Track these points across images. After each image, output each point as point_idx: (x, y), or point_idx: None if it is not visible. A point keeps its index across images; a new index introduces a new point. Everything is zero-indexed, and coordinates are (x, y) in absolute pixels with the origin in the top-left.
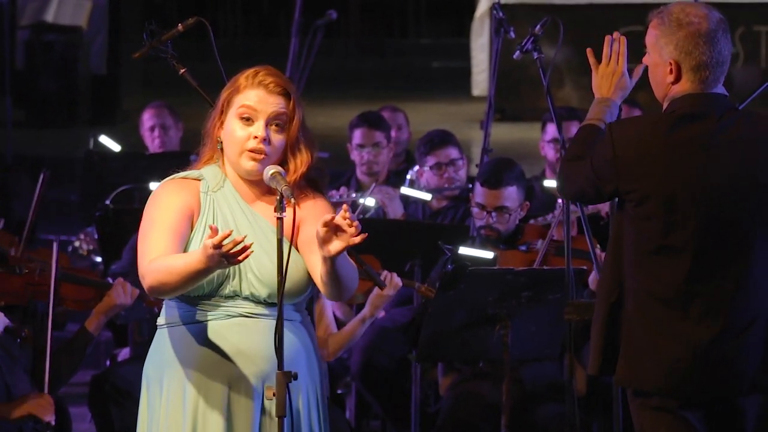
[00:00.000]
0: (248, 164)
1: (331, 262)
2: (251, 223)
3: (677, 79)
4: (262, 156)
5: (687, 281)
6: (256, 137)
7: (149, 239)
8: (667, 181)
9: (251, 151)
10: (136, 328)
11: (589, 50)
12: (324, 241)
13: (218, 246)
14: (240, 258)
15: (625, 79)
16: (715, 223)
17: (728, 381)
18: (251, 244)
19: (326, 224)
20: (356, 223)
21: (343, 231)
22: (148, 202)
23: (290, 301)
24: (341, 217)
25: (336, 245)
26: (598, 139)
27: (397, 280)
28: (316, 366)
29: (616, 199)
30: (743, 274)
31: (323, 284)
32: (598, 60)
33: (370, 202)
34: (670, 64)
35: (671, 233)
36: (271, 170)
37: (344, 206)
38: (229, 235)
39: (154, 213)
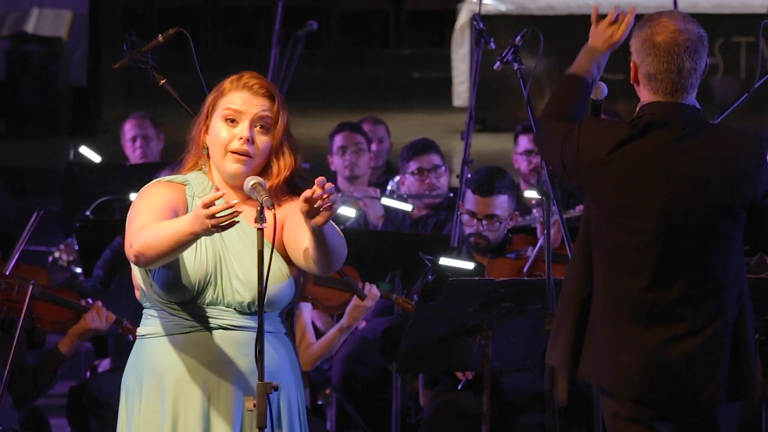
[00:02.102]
0: (233, 166)
1: (320, 232)
2: (236, 228)
3: (636, 81)
4: (247, 158)
5: (641, 287)
6: (240, 138)
7: (137, 219)
8: (625, 188)
9: (235, 152)
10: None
11: (595, 6)
12: (309, 216)
13: (209, 206)
14: (225, 225)
15: (619, 42)
16: (670, 233)
17: (679, 386)
18: (241, 213)
19: (307, 200)
20: (335, 194)
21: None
22: (135, 199)
23: (273, 310)
24: (319, 189)
25: (320, 218)
26: (582, 95)
27: (375, 291)
28: (299, 377)
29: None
30: (697, 284)
31: (313, 260)
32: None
33: (350, 212)
34: (633, 65)
35: (628, 239)
36: (251, 181)
37: (318, 178)
38: (221, 197)
39: (142, 203)
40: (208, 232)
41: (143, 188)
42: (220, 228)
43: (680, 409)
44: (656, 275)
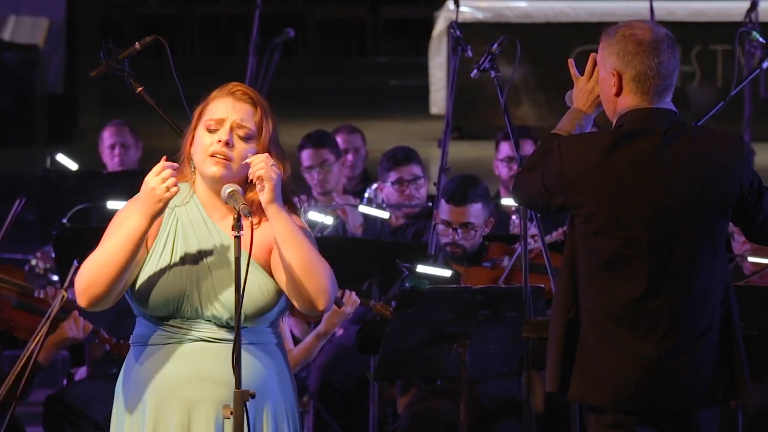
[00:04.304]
0: (211, 169)
1: (278, 226)
2: (215, 240)
3: (619, 91)
4: (225, 160)
5: (636, 297)
6: (219, 141)
7: (100, 245)
8: (614, 198)
9: (213, 154)
10: (93, 348)
11: (570, 61)
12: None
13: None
14: (169, 194)
15: (596, 98)
16: (662, 239)
17: (679, 395)
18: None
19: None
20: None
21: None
22: (116, 213)
23: (254, 325)
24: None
25: (266, 194)
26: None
27: (355, 298)
28: (288, 389)
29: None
30: (691, 289)
31: (289, 291)
32: (581, 73)
33: (328, 220)
34: (613, 74)
35: (620, 249)
36: (228, 189)
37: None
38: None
39: (111, 227)
40: (158, 204)
41: (128, 202)
42: (166, 195)
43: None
44: (651, 283)
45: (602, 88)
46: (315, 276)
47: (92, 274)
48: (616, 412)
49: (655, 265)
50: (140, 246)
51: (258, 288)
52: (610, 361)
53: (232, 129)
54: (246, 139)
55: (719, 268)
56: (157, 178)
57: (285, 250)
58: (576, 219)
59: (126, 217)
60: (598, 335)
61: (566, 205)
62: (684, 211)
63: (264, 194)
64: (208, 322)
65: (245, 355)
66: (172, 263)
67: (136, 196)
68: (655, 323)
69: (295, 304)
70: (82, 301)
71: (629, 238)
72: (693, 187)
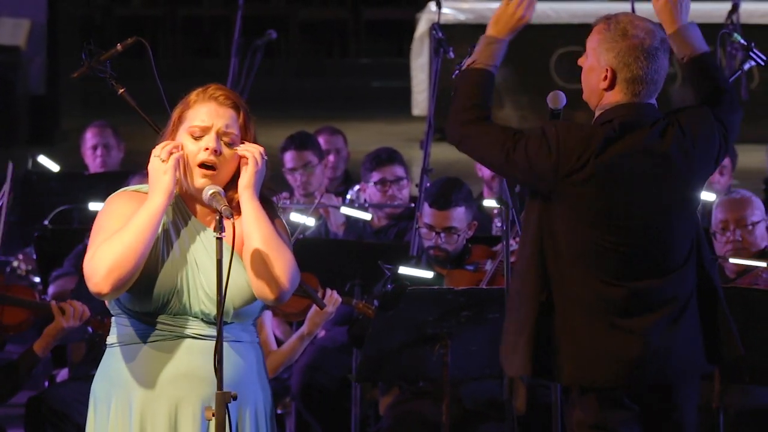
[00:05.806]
0: (199, 181)
1: (244, 209)
2: (201, 237)
3: (610, 87)
4: (214, 170)
5: (624, 277)
6: (207, 149)
7: (96, 240)
8: (608, 189)
9: (202, 165)
10: (74, 349)
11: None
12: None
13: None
14: (173, 160)
15: (521, 24)
16: (648, 225)
17: (670, 368)
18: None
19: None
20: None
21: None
22: (99, 212)
23: (242, 320)
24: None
25: (245, 175)
26: (490, 89)
27: (336, 297)
28: (266, 386)
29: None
30: (671, 269)
31: (252, 270)
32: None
33: (309, 221)
34: (606, 70)
35: (613, 237)
36: (210, 190)
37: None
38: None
39: (104, 222)
40: (166, 175)
41: (108, 200)
42: (170, 164)
43: (648, 404)
44: (645, 266)
45: (589, 76)
46: (277, 259)
47: (117, 257)
48: (597, 410)
49: (642, 248)
50: (160, 223)
51: (245, 281)
52: (601, 341)
53: (218, 136)
54: (231, 144)
55: (692, 235)
56: (157, 156)
57: (250, 230)
58: (560, 206)
59: (121, 208)
60: (586, 317)
61: (550, 192)
62: (675, 199)
63: (245, 176)
64: (195, 318)
65: (229, 352)
66: (160, 259)
67: (120, 190)
68: (642, 301)
69: (257, 288)
70: (104, 286)
71: (622, 226)
72: (686, 174)
